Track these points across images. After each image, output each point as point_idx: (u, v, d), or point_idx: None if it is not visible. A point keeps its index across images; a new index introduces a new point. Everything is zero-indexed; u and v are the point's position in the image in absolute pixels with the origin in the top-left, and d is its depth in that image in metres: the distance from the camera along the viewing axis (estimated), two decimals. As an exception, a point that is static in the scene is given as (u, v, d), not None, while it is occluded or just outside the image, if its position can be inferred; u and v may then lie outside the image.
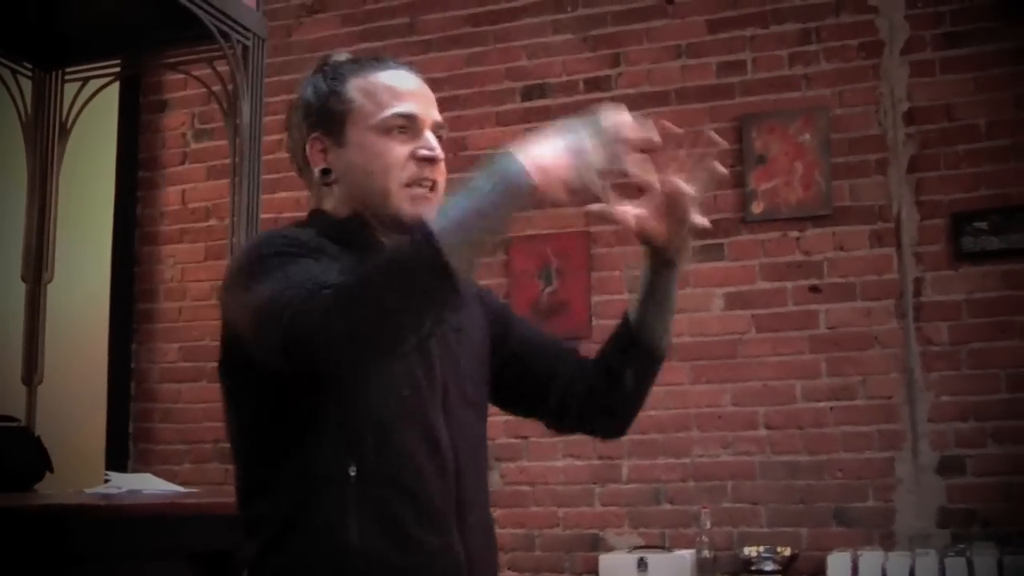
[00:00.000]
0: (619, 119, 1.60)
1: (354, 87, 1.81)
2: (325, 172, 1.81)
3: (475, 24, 5.21)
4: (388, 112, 1.77)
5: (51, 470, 3.47)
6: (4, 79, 4.08)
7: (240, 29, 3.74)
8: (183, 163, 5.63)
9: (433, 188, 1.79)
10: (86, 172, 5.04)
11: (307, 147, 1.82)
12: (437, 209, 1.57)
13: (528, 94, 5.07)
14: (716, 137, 1.77)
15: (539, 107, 5.02)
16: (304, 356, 1.48)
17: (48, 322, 4.14)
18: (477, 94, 5.12)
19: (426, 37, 5.28)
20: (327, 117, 1.81)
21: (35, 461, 3.44)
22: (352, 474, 1.61)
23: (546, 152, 1.51)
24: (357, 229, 1.78)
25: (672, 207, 1.85)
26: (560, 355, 2.02)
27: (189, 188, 5.58)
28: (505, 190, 1.49)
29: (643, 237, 1.87)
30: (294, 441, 1.64)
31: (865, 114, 4.61)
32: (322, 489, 1.62)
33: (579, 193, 1.52)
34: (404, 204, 1.76)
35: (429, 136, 1.79)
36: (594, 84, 4.98)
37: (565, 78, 5.02)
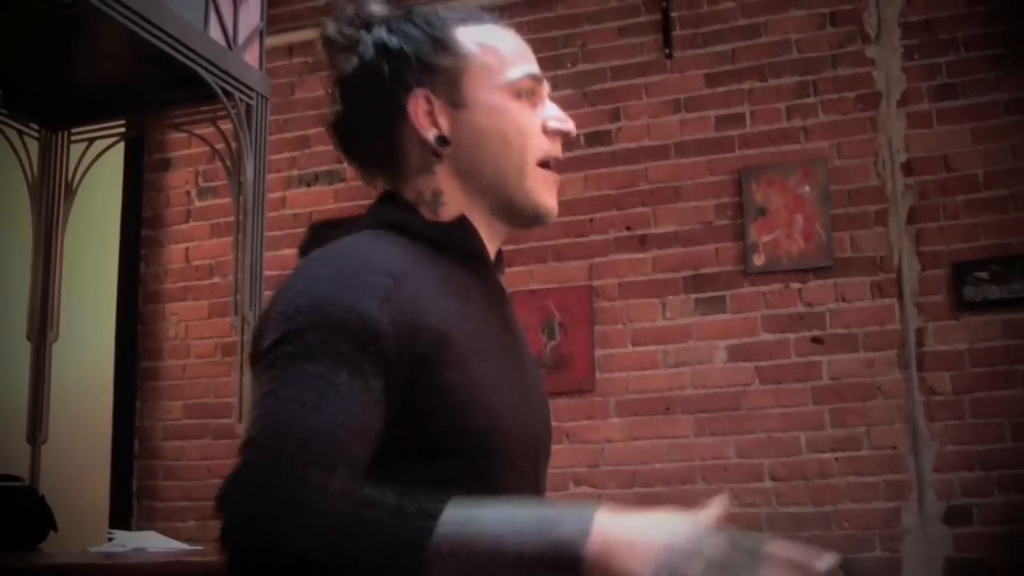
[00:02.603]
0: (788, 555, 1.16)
1: (467, 38, 1.49)
2: (442, 140, 1.46)
3: (476, 81, 5.25)
4: (519, 70, 1.49)
5: (55, 529, 3.46)
6: (11, 140, 4.12)
7: (243, 88, 3.78)
8: (187, 221, 5.66)
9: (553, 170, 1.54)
10: (91, 231, 5.07)
11: (409, 106, 1.46)
12: (463, 514, 1.15)
13: (529, 149, 5.09)
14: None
15: (540, 162, 5.05)
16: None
17: (53, 381, 4.14)
18: (478, 150, 5.14)
19: (427, 94, 5.32)
20: (436, 71, 1.47)
21: (39, 520, 3.43)
22: None
23: (634, 534, 1.11)
24: (460, 236, 1.47)
25: None
26: None
27: (193, 246, 5.61)
28: (548, 544, 1.11)
29: None
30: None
31: (864, 165, 4.64)
32: None
33: None
34: (539, 189, 1.51)
35: (553, 106, 1.54)
36: (594, 138, 5.01)
37: (566, 133, 5.05)
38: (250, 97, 3.81)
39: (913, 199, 4.55)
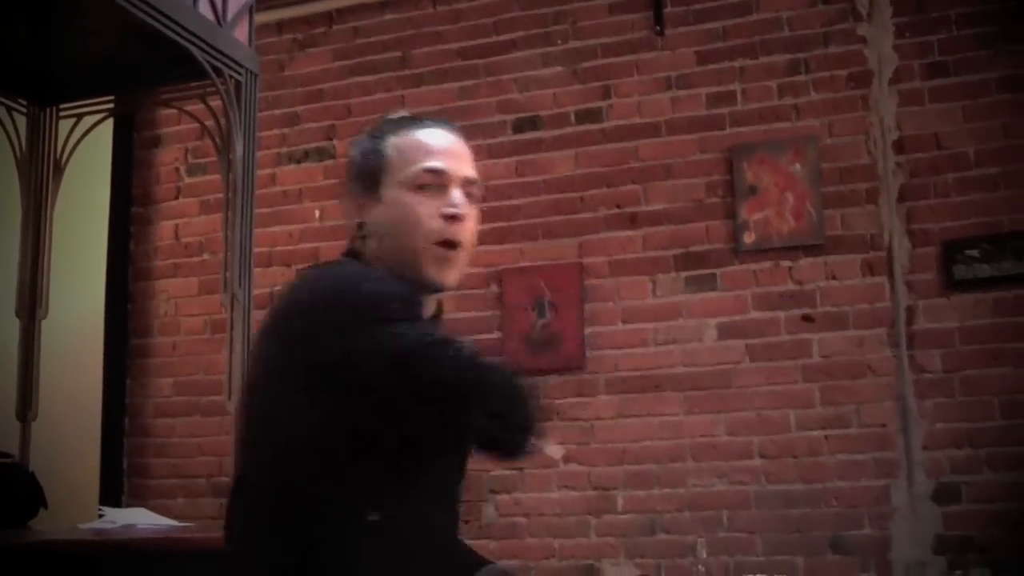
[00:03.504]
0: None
1: (390, 144, 1.88)
2: (360, 225, 1.86)
3: (466, 58, 5.24)
4: (416, 167, 1.84)
5: (45, 506, 3.46)
6: (-1, 116, 4.10)
7: (232, 65, 3.76)
8: (176, 198, 5.64)
9: (456, 248, 1.85)
10: (80, 208, 5.04)
11: (345, 200, 1.91)
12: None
13: (520, 126, 5.09)
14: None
15: (531, 139, 5.05)
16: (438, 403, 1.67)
17: (42, 358, 4.13)
18: (469, 127, 5.07)
19: (418, 71, 5.31)
20: (365, 173, 1.88)
21: (29, 497, 3.43)
22: (373, 520, 1.67)
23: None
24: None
25: None
26: None
27: (182, 223, 5.59)
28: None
29: None
30: (328, 477, 1.68)
31: (855, 144, 4.64)
32: (339, 529, 1.66)
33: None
34: (431, 266, 1.83)
35: (455, 193, 1.85)
36: (585, 116, 5.00)
37: (556, 110, 5.05)
38: (239, 74, 3.79)
39: (904, 177, 4.55)
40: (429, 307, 1.90)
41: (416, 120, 1.93)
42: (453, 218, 1.83)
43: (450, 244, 1.84)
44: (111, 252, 5.61)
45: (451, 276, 1.86)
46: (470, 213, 1.88)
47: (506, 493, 4.81)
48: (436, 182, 1.84)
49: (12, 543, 2.78)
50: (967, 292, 4.40)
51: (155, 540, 3.08)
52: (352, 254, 1.89)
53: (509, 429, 1.73)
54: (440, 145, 1.89)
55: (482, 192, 1.96)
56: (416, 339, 1.66)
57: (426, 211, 1.82)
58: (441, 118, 1.99)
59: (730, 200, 4.73)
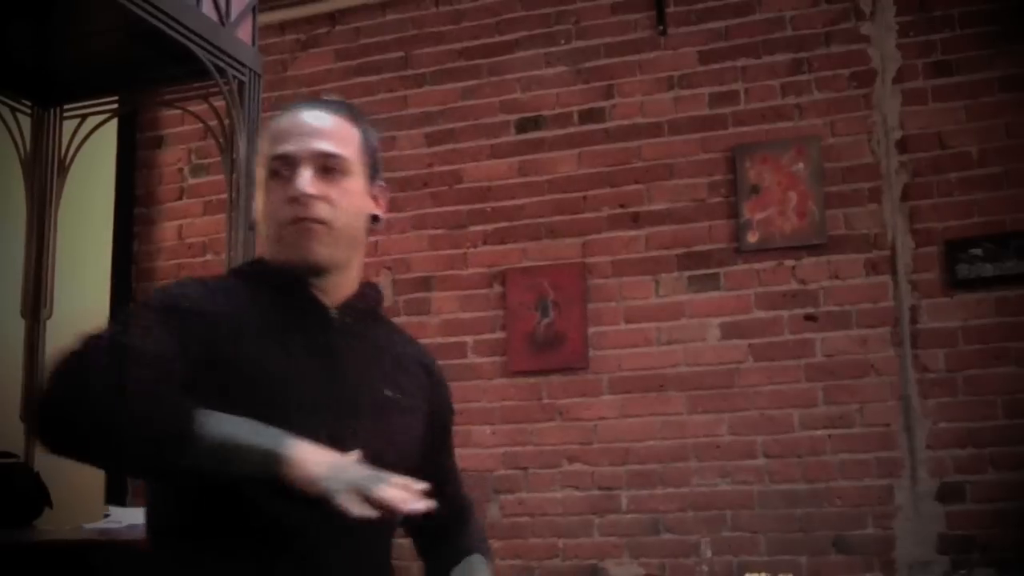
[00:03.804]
0: (378, 486, 1.54)
1: (261, 138, 1.88)
2: (252, 225, 1.89)
3: (469, 58, 5.24)
4: (267, 156, 1.81)
5: (51, 506, 3.47)
6: (3, 116, 4.10)
7: (236, 65, 3.76)
8: (180, 198, 5.65)
9: (318, 223, 1.77)
10: (84, 208, 5.05)
11: None
12: (209, 421, 1.52)
13: (522, 126, 5.09)
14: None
15: (533, 139, 5.05)
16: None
17: (47, 358, 4.14)
18: (472, 127, 5.14)
19: (420, 71, 5.31)
20: (253, 171, 1.90)
21: (34, 497, 3.44)
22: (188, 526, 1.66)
23: (315, 458, 1.54)
24: (256, 276, 1.84)
25: None
26: (445, 497, 1.86)
27: (186, 223, 5.60)
28: (267, 454, 1.52)
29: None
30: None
31: (858, 143, 4.64)
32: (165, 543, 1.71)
33: (319, 493, 1.54)
34: (289, 248, 1.77)
35: (302, 175, 1.76)
36: (588, 116, 5.01)
37: (559, 110, 5.05)
38: (243, 74, 3.80)
39: (907, 176, 4.55)
40: (332, 293, 1.83)
41: (288, 107, 1.88)
42: (296, 200, 1.75)
43: (306, 223, 1.77)
44: (115, 252, 5.62)
45: (314, 248, 1.77)
46: (328, 191, 1.78)
47: (510, 493, 4.82)
48: (285, 167, 1.78)
49: (17, 543, 2.79)
50: (970, 291, 4.40)
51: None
52: (257, 258, 1.91)
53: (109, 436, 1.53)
54: (289, 128, 1.82)
55: (346, 163, 1.82)
56: (106, 332, 1.70)
57: (277, 198, 1.77)
58: (321, 98, 1.95)
59: (733, 199, 4.73)
